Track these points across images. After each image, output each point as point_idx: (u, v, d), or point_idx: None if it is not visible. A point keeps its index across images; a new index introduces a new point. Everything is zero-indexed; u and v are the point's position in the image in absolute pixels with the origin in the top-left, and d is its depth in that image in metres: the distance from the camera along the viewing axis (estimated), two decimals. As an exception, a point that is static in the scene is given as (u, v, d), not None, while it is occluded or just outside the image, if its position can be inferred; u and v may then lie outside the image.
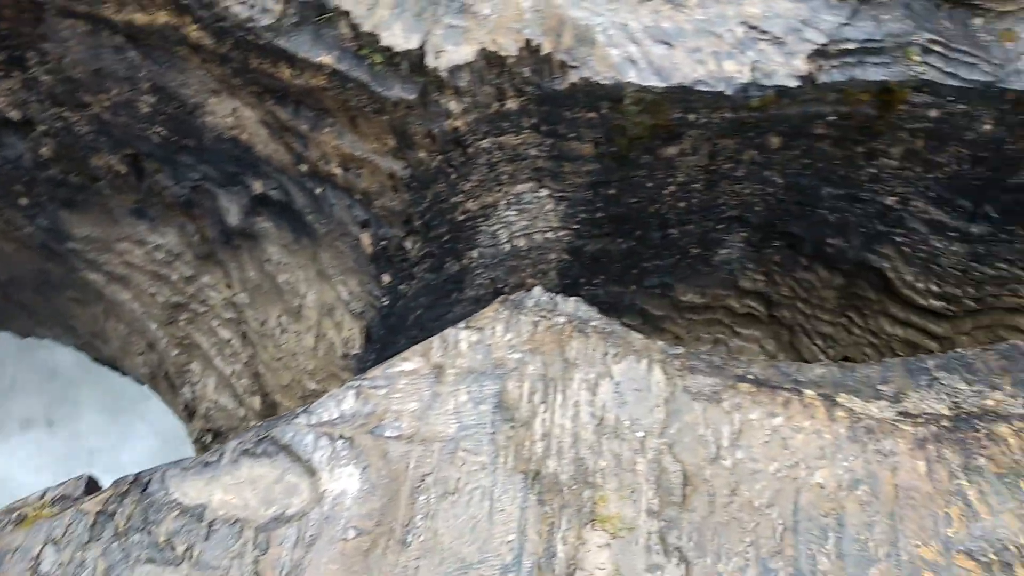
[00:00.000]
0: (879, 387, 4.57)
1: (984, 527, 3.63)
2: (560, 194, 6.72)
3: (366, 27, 5.38)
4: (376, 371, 4.11)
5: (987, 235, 6.66)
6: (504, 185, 6.37)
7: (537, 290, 4.60)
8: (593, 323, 4.46)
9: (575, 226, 7.11)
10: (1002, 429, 4.06)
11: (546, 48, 5.48)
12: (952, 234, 6.79)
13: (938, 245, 6.90)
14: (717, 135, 6.39)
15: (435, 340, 4.22)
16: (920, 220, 6.81)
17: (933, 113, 5.97)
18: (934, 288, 7.12)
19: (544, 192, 6.66)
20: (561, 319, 4.43)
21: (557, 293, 7.72)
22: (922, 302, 7.24)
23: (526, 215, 6.85)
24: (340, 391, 4.02)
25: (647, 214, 7.11)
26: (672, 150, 6.46)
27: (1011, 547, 3.55)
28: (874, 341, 7.65)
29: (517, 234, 7.01)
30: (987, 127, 6.01)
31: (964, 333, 7.13)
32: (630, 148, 6.29)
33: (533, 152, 6.16)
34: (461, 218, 6.48)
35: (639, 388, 4.21)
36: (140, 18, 5.97)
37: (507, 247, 7.09)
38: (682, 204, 7.09)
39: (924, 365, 4.75)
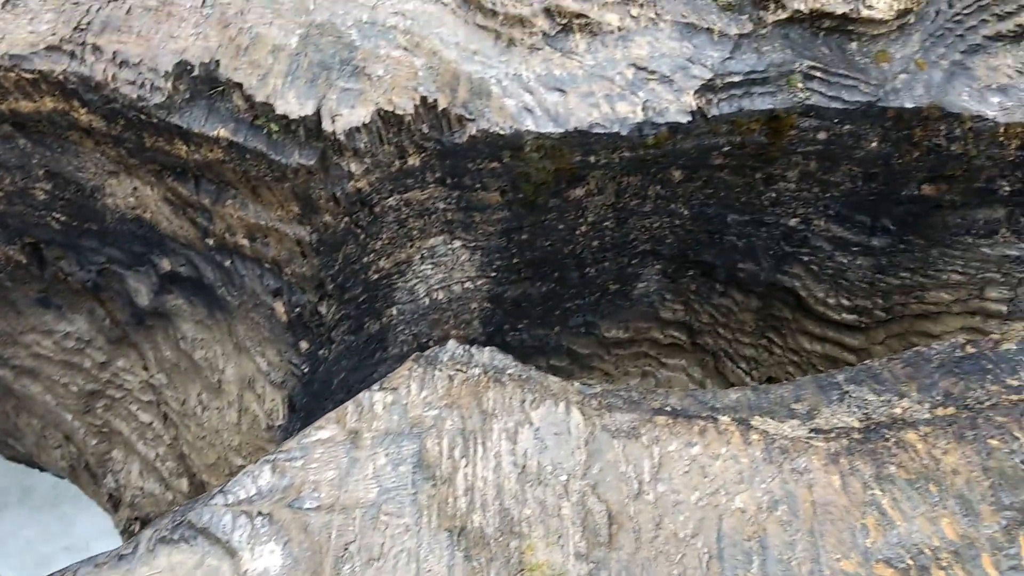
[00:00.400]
0: (793, 406, 4.71)
1: (900, 534, 3.75)
2: (474, 244, 6.80)
3: (260, 97, 5.42)
4: (291, 443, 4.07)
5: (888, 247, 6.96)
6: (416, 240, 6.42)
7: (452, 344, 4.63)
8: (509, 371, 4.51)
9: (493, 274, 7.19)
10: (910, 436, 4.21)
11: (442, 103, 5.59)
12: (855, 249, 7.07)
13: (843, 260, 7.17)
14: (621, 174, 6.58)
15: (350, 405, 4.21)
16: (823, 238, 7.08)
17: (821, 136, 6.25)
18: (845, 302, 7.38)
19: (457, 243, 6.73)
20: (477, 370, 4.47)
21: (483, 342, 7.80)
22: (835, 317, 7.49)
23: (442, 268, 6.90)
24: (256, 467, 3.97)
25: (563, 255, 7.24)
26: (579, 192, 6.62)
27: (926, 551, 3.68)
28: (795, 359, 7.87)
29: (435, 287, 7.06)
30: (874, 145, 6.32)
31: (878, 343, 7.39)
32: (537, 193, 6.41)
33: (441, 205, 6.24)
34: (375, 277, 6.49)
35: (559, 431, 4.26)
36: (26, 106, 5.89)
37: (426, 301, 7.13)
38: (596, 243, 7.24)
39: (835, 380, 4.92)
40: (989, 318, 7.02)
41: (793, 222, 7.06)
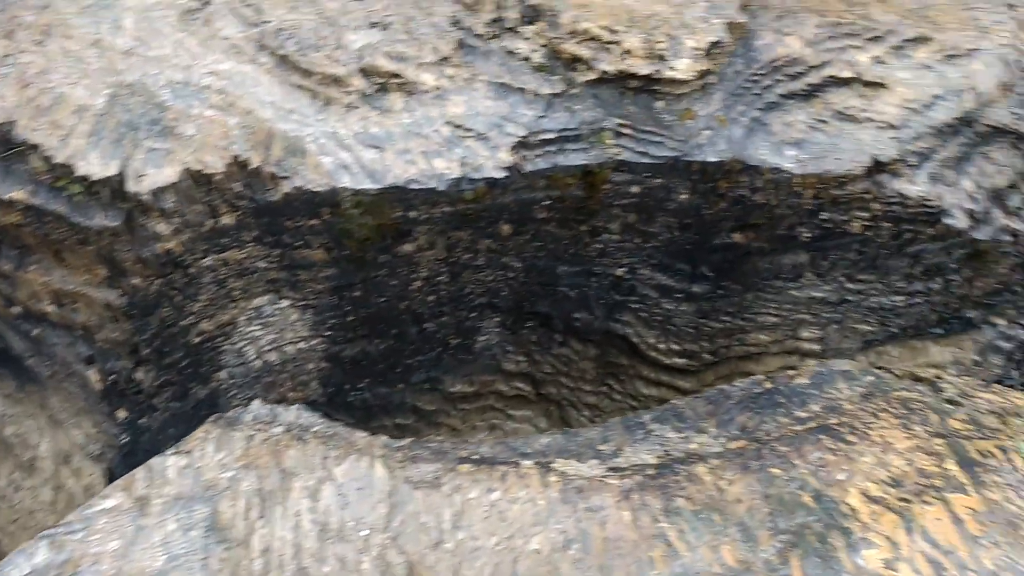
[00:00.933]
0: (599, 447, 4.91)
1: (684, 563, 3.95)
2: (303, 303, 6.81)
3: (60, 158, 5.34)
4: (72, 515, 3.94)
5: (708, 293, 7.38)
6: (239, 301, 6.38)
7: (255, 403, 4.62)
8: (314, 428, 4.52)
9: (327, 333, 7.19)
10: (699, 469, 4.46)
11: (255, 162, 5.65)
12: (679, 295, 7.47)
13: (669, 307, 7.55)
14: (449, 229, 6.77)
15: (139, 471, 4.12)
16: (649, 286, 7.45)
17: (634, 189, 6.64)
18: (674, 347, 7.75)
19: (285, 303, 6.73)
20: (279, 429, 4.46)
21: (323, 402, 7.75)
22: (667, 361, 7.85)
23: (271, 328, 6.87)
24: (31, 544, 3.82)
25: (399, 311, 7.33)
26: (409, 247, 6.75)
27: (708, 579, 3.88)
28: (634, 404, 8.16)
29: (266, 349, 7.00)
30: (684, 196, 6.75)
31: (708, 384, 7.77)
32: (363, 249, 6.51)
33: (262, 264, 6.24)
34: (198, 340, 6.40)
35: (361, 486, 4.29)
36: None
37: (258, 363, 7.05)
38: (431, 297, 7.37)
39: (640, 420, 5.17)
40: (805, 357, 7.52)
41: (620, 272, 7.40)
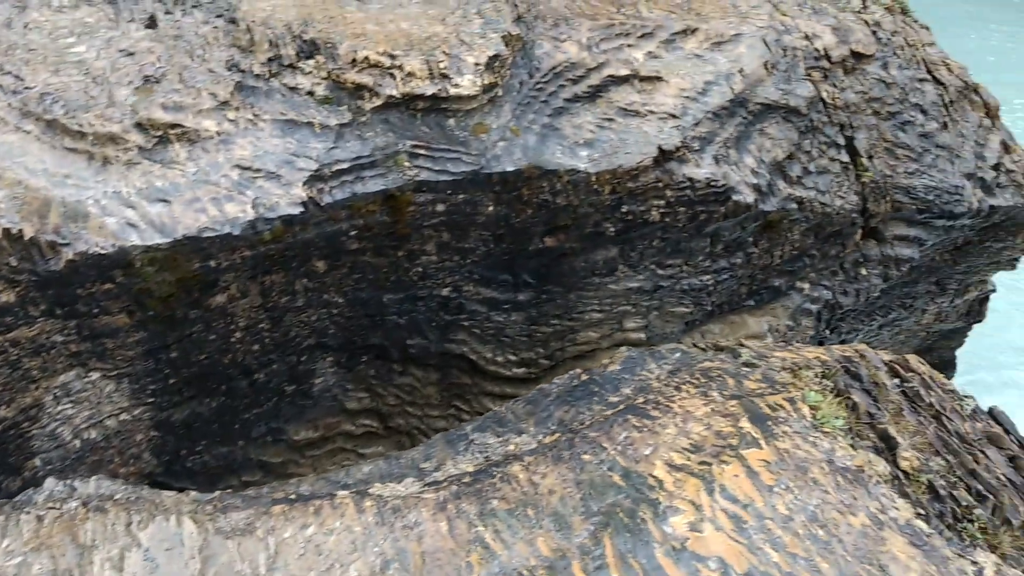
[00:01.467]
0: (422, 465, 4.97)
1: (501, 563, 4.05)
2: (116, 372, 6.58)
3: None
4: None
5: (533, 299, 7.60)
6: (39, 381, 6.11)
7: (49, 481, 4.44)
8: (116, 496, 4.39)
9: (150, 399, 6.97)
10: (514, 468, 4.59)
11: (28, 232, 5.47)
12: (507, 306, 7.65)
13: (500, 319, 7.72)
14: (259, 273, 6.70)
15: (-84, 574, 3.89)
16: (476, 301, 7.60)
17: (440, 207, 6.78)
18: (512, 357, 7.93)
19: (95, 375, 6.48)
20: (75, 504, 4.31)
21: (160, 472, 7.47)
22: (508, 373, 8.02)
23: (85, 404, 6.60)
24: None
25: (224, 366, 7.18)
26: (219, 298, 6.64)
27: (524, 572, 3.99)
28: (483, 421, 8.25)
29: (84, 426, 6.71)
30: (491, 208, 6.94)
31: (549, 390, 7.96)
32: (169, 307, 6.37)
33: (59, 338, 6.01)
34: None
35: (170, 546, 4.18)
36: None
37: (77, 444, 6.74)
38: (256, 347, 7.26)
39: (463, 432, 5.27)
40: (634, 347, 7.83)
41: (445, 292, 7.52)
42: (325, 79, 6.63)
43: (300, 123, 6.42)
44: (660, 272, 7.41)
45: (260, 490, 4.63)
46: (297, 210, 6.17)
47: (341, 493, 4.46)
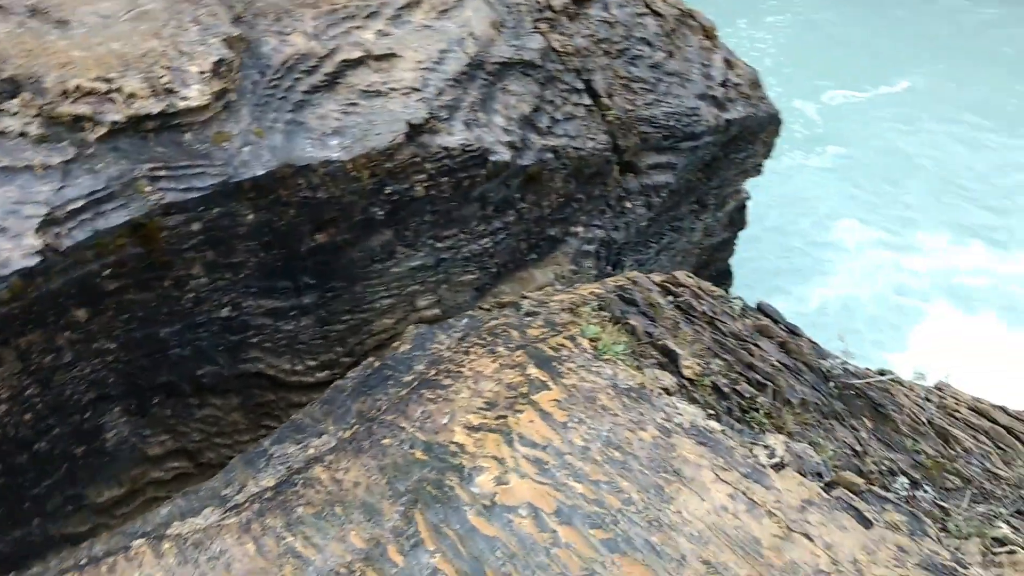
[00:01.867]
0: (224, 492, 4.79)
1: (316, 567, 3.99)
2: None
3: None
4: None
5: (319, 300, 7.48)
6: None
7: None
8: None
9: (-87, 502, 6.29)
10: (316, 471, 4.52)
11: None
12: (293, 312, 7.48)
13: (289, 328, 7.54)
14: (11, 337, 6.18)
15: None
16: (260, 315, 7.38)
17: (196, 227, 6.51)
18: (311, 363, 7.77)
19: None
20: None
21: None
22: (311, 379, 7.85)
23: None
24: None
25: (-4, 444, 6.59)
26: (-31, 375, 6.07)
27: (342, 569, 3.95)
28: (298, 434, 8.06)
29: None
30: (251, 217, 6.74)
31: (357, 386, 7.88)
32: (-91, 397, 5.75)
33: None
34: None
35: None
36: None
37: None
38: (28, 416, 6.71)
39: (261, 448, 5.12)
40: (432, 324, 7.89)
41: (225, 312, 7.25)
42: (36, 116, 6.15)
43: (18, 168, 5.94)
44: (439, 245, 7.49)
45: (48, 564, 4.30)
46: (34, 261, 5.72)
47: (136, 543, 4.23)
